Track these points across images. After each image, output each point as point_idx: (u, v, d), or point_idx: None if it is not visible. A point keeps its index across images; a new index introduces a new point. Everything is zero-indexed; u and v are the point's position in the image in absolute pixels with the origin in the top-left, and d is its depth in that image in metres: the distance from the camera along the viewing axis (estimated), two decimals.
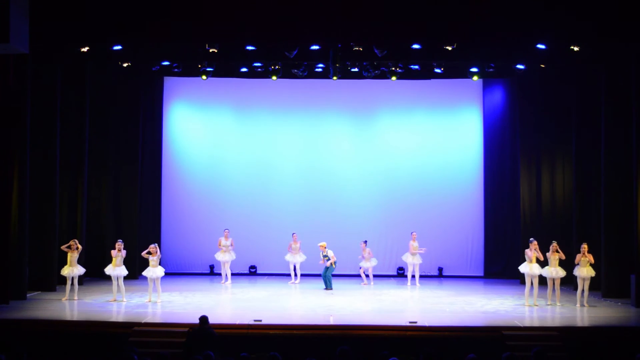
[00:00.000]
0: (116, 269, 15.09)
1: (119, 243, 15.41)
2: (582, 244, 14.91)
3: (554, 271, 14.75)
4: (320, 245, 17.43)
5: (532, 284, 14.76)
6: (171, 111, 20.53)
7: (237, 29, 14.03)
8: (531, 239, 15.44)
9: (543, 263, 15.02)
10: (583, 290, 14.61)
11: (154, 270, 15.19)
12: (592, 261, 14.64)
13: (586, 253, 14.58)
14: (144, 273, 15.26)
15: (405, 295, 16.61)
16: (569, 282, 17.03)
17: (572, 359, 11.34)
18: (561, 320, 13.22)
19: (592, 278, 14.85)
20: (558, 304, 14.72)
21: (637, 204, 14.72)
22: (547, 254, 14.89)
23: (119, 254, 15.21)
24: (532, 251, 14.94)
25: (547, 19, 13.68)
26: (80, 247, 15.40)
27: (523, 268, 15.15)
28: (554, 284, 14.85)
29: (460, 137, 20.39)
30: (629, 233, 15.22)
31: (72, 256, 15.16)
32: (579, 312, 14.13)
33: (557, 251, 14.78)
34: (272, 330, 12.21)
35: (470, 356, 7.80)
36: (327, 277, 17.24)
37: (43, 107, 16.14)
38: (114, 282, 15.09)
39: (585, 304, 14.57)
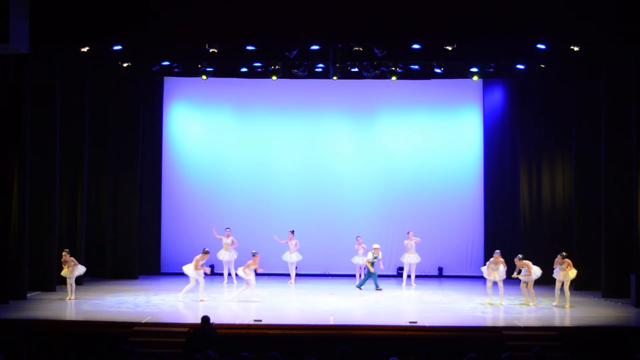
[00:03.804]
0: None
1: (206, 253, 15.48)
2: (561, 252, 14.88)
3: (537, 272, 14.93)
4: (376, 248, 17.33)
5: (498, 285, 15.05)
6: (171, 111, 20.53)
7: (237, 29, 14.03)
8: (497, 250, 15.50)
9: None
10: (562, 290, 14.63)
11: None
12: (571, 267, 14.62)
13: (563, 260, 14.61)
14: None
15: (405, 295, 16.61)
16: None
17: (572, 359, 11.34)
18: (561, 320, 13.22)
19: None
20: (531, 303, 14.75)
21: (637, 204, 14.72)
22: (515, 260, 14.97)
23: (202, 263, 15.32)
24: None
25: (547, 19, 13.67)
26: (70, 260, 15.16)
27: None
28: (527, 285, 14.89)
29: (460, 137, 20.39)
30: (629, 233, 15.22)
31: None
32: (578, 312, 14.11)
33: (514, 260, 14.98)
34: (272, 330, 12.20)
35: (470, 356, 7.80)
36: (375, 276, 17.27)
37: (43, 107, 16.13)
38: (197, 281, 15.27)
39: (567, 305, 14.51)
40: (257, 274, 16.67)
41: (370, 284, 17.27)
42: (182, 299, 15.00)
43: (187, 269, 15.33)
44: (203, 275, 15.32)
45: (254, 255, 15.28)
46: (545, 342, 11.54)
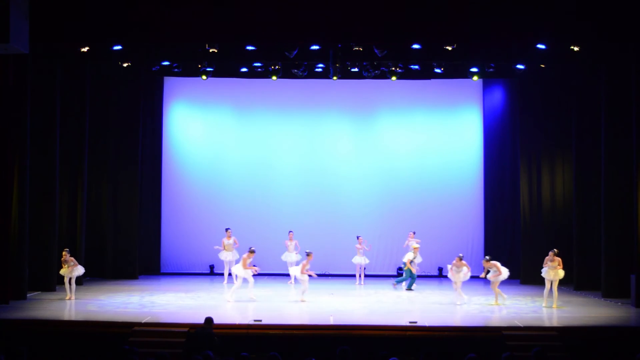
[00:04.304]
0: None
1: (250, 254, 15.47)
2: (551, 250, 14.80)
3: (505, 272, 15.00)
4: (416, 248, 17.26)
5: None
6: (171, 111, 20.54)
7: (237, 29, 14.02)
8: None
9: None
10: (551, 290, 14.54)
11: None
12: (561, 266, 14.56)
13: (554, 257, 14.56)
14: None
15: (405, 295, 16.59)
16: (568, 282, 17.05)
17: (572, 359, 11.34)
18: (561, 320, 13.20)
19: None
20: (495, 303, 14.80)
21: (637, 204, 14.71)
22: (483, 262, 15.06)
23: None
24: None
25: (547, 19, 13.67)
26: (70, 260, 15.11)
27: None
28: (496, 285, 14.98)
29: (460, 137, 20.40)
30: (629, 233, 15.21)
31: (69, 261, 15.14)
32: (578, 312, 14.10)
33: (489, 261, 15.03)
34: (272, 330, 12.20)
35: (470, 356, 7.80)
36: (414, 277, 17.27)
37: (43, 107, 16.14)
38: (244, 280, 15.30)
39: (554, 305, 14.50)
40: (261, 274, 16.71)
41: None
42: (230, 299, 15.02)
43: (236, 269, 15.40)
44: (252, 274, 15.29)
45: (307, 255, 15.35)
46: (545, 342, 11.53)
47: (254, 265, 15.43)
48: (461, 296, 15.01)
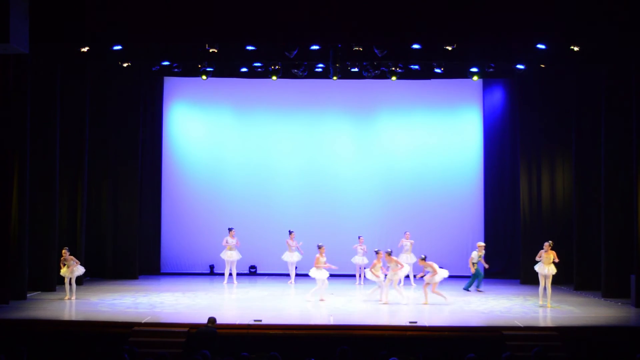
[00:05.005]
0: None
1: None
2: (546, 241, 14.75)
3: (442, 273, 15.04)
4: (480, 246, 17.12)
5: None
6: (171, 111, 20.54)
7: (237, 29, 14.02)
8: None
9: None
10: (545, 288, 14.50)
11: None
12: (557, 259, 14.50)
13: (549, 250, 14.48)
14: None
15: (404, 296, 16.58)
16: (568, 282, 17.05)
17: (572, 359, 11.34)
18: (561, 320, 13.20)
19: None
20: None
21: (637, 204, 14.72)
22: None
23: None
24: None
25: (547, 19, 13.67)
26: (70, 259, 15.07)
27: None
28: (429, 286, 14.97)
29: (460, 137, 20.41)
30: (629, 233, 15.22)
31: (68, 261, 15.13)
32: (578, 312, 14.10)
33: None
34: (272, 330, 12.20)
35: (470, 356, 7.81)
36: (480, 277, 17.09)
37: (43, 107, 16.13)
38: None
39: (548, 304, 14.49)
40: (257, 274, 16.63)
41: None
42: (311, 299, 15.12)
43: (314, 272, 15.33)
44: (328, 274, 15.23)
45: (377, 254, 15.25)
46: (545, 342, 11.54)
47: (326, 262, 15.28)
48: (385, 294, 14.87)
